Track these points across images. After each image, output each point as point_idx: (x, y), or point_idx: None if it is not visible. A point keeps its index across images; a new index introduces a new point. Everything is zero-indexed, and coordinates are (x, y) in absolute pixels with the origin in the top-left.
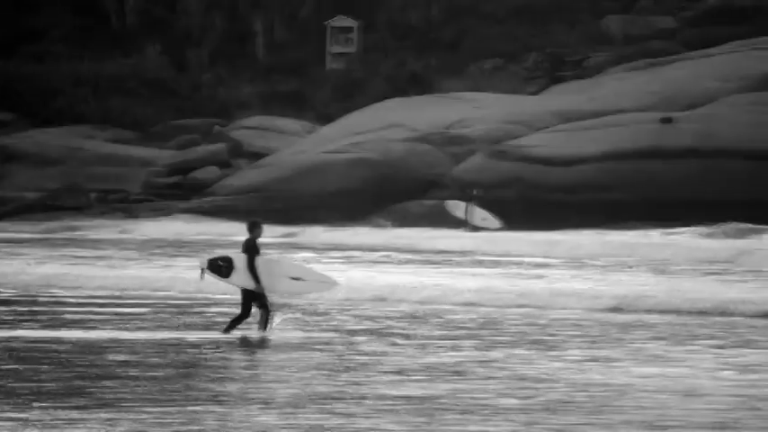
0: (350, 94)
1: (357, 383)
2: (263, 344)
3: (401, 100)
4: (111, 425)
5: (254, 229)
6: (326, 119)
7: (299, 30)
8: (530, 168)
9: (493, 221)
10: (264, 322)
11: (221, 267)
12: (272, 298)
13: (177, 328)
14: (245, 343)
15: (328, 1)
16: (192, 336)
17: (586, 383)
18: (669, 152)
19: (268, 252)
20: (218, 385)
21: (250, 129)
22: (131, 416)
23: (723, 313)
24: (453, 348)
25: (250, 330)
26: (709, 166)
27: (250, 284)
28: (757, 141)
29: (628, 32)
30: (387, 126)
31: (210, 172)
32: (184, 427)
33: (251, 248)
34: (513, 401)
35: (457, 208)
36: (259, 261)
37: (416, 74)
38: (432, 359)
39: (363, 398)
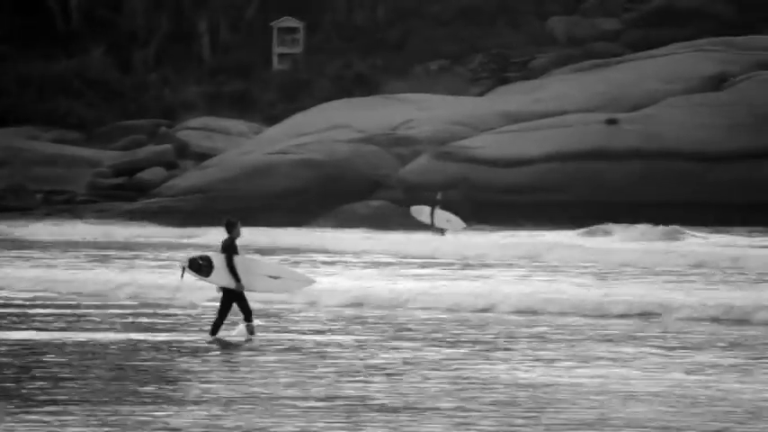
0: (295, 95)
1: (294, 385)
2: (226, 346)
3: (347, 101)
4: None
5: (232, 229)
6: (272, 120)
7: (245, 31)
8: (475, 169)
9: (457, 223)
10: (250, 330)
11: (201, 266)
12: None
13: (109, 328)
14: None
15: (274, 2)
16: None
17: (528, 384)
18: (614, 153)
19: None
20: (143, 386)
21: (196, 129)
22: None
23: (650, 315)
24: (392, 349)
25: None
26: (653, 166)
27: (230, 283)
28: (700, 142)
29: (572, 34)
30: (332, 127)
31: (156, 173)
32: (100, 429)
33: (229, 247)
34: (453, 402)
35: (421, 213)
36: (238, 260)
37: (362, 75)
38: (372, 360)
39: (306, 398)
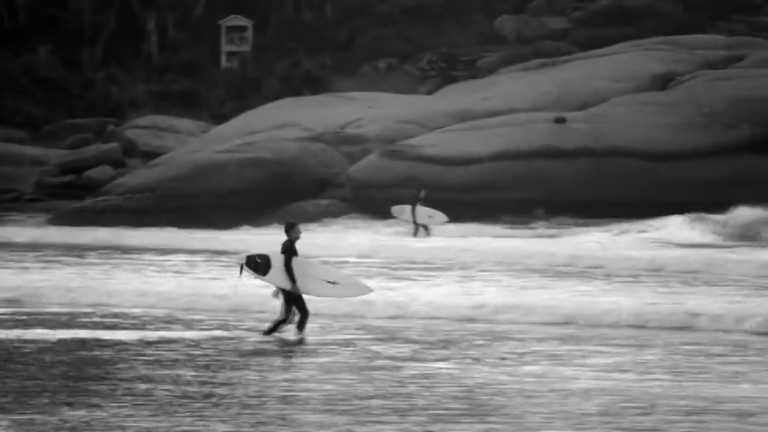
0: (244, 94)
1: (230, 384)
2: (297, 343)
3: (295, 99)
4: None
5: (291, 231)
6: (221, 118)
7: (193, 29)
8: (424, 168)
9: (440, 216)
10: (302, 324)
11: (259, 265)
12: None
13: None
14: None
15: (222, 0)
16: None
17: (471, 384)
18: (562, 152)
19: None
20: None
21: (144, 128)
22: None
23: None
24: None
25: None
26: (602, 165)
27: (286, 284)
28: (647, 141)
29: (521, 32)
30: (281, 125)
31: (104, 171)
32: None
33: (288, 250)
34: (396, 402)
35: (402, 212)
36: (297, 262)
37: (311, 73)
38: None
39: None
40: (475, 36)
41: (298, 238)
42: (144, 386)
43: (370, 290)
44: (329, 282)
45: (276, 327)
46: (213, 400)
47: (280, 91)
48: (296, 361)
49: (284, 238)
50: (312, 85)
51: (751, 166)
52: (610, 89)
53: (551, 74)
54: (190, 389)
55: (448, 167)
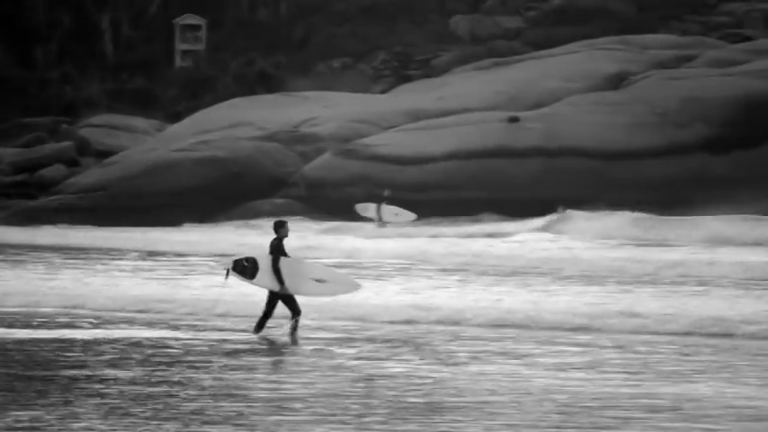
0: (198, 93)
1: (182, 383)
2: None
3: (250, 98)
4: None
5: (280, 230)
6: (175, 117)
7: (147, 28)
8: (378, 167)
9: (408, 215)
10: (293, 328)
11: (246, 268)
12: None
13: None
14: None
15: None
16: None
17: (422, 383)
18: (516, 151)
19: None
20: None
21: (98, 127)
22: None
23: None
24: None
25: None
26: (554, 164)
27: (274, 286)
28: (599, 140)
29: (475, 32)
30: (235, 124)
31: (57, 170)
32: None
33: (276, 249)
34: (350, 401)
35: (366, 209)
36: (284, 262)
37: (265, 72)
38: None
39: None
40: (429, 35)
41: (286, 236)
42: (97, 386)
43: (358, 286)
44: (317, 280)
45: (263, 323)
46: (162, 399)
47: (234, 90)
48: (253, 360)
49: (269, 237)
50: (266, 83)
51: (703, 166)
52: (563, 89)
53: (505, 73)
54: (140, 389)
55: (402, 166)
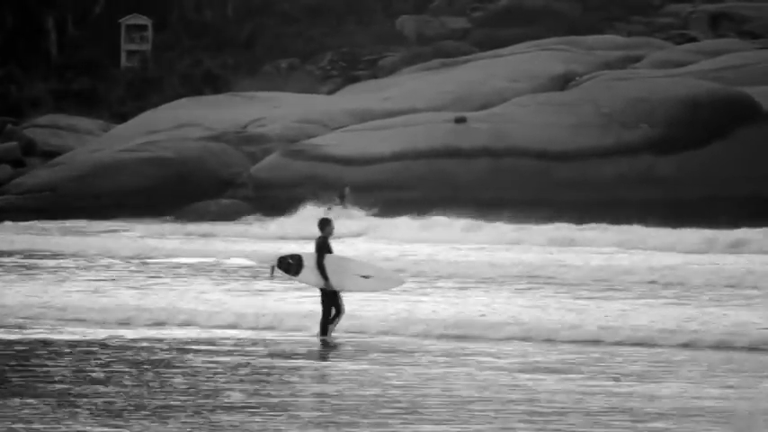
0: (144, 93)
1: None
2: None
3: (196, 99)
4: None
5: (325, 227)
6: (121, 117)
7: (93, 28)
8: (326, 167)
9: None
10: (330, 323)
11: (290, 265)
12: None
13: None
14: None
15: None
16: None
17: (362, 382)
18: (463, 151)
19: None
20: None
21: (43, 127)
22: None
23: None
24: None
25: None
26: (502, 165)
27: (319, 282)
28: (546, 141)
29: (421, 32)
30: (182, 125)
31: (3, 170)
32: None
33: (321, 246)
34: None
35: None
36: (330, 259)
37: (212, 73)
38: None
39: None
40: (376, 36)
41: (331, 234)
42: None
43: (403, 281)
44: (362, 276)
45: (326, 326)
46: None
47: (181, 90)
48: (209, 364)
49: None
50: (213, 84)
51: (649, 166)
52: (509, 89)
53: (451, 74)
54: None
55: (349, 167)
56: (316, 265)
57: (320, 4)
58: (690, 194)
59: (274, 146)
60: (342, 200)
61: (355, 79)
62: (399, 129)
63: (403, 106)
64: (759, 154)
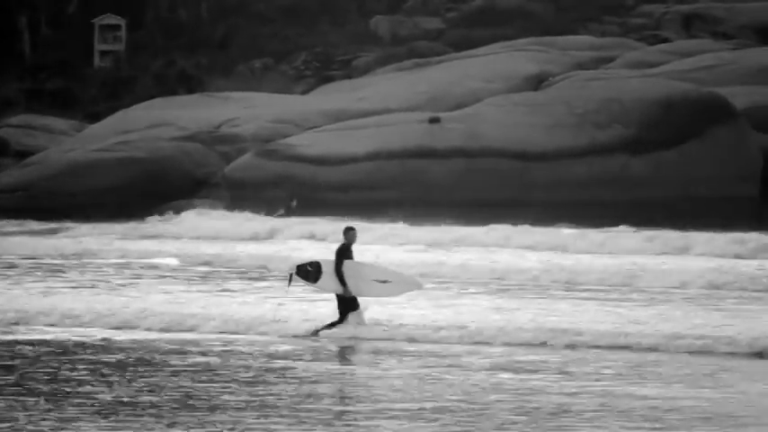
0: (118, 93)
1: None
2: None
3: (170, 99)
4: None
5: (347, 234)
6: (94, 117)
7: (66, 27)
8: (300, 167)
9: None
10: (330, 326)
11: (309, 273)
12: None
13: None
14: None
15: None
16: None
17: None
18: (437, 152)
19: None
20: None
21: (16, 127)
22: None
23: None
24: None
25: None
26: (475, 165)
27: (338, 289)
28: (520, 141)
29: (395, 33)
30: (156, 125)
31: None
32: None
33: (340, 252)
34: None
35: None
36: (348, 265)
37: (185, 73)
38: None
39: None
40: (350, 36)
41: (353, 241)
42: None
43: (420, 284)
44: (380, 281)
45: (329, 327)
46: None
47: (154, 90)
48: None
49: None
50: (187, 84)
51: (622, 166)
52: (483, 89)
53: (425, 74)
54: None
55: (323, 167)
56: (334, 272)
57: (294, 5)
58: (663, 195)
59: (248, 146)
60: (287, 210)
61: (329, 79)
62: (373, 129)
63: (377, 106)
64: (732, 154)
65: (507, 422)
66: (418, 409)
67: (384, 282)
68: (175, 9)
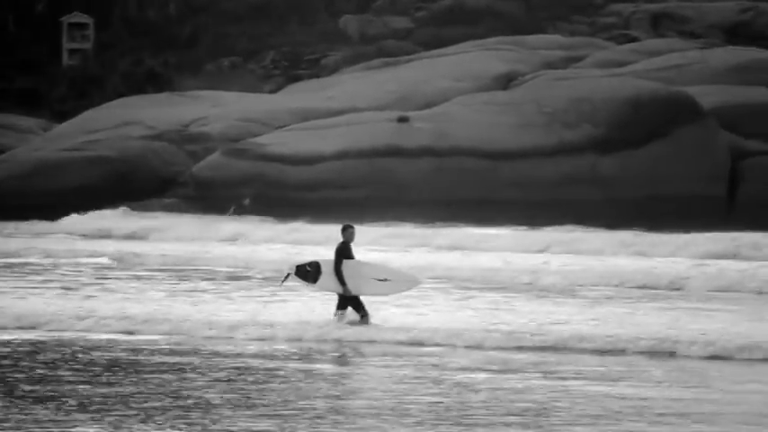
0: (86, 92)
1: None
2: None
3: (138, 97)
4: None
5: (345, 232)
6: (62, 116)
7: (34, 26)
8: (268, 166)
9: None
10: (340, 312)
11: (309, 273)
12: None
13: None
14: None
15: None
16: None
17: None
18: (406, 151)
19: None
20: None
21: None
22: None
23: None
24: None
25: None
26: (444, 164)
27: (337, 288)
28: (490, 141)
29: (364, 32)
30: (124, 124)
31: None
32: None
33: (340, 252)
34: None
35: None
36: (346, 264)
37: (154, 71)
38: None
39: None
40: (319, 35)
41: (351, 239)
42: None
43: (419, 282)
44: (379, 279)
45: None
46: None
47: (122, 89)
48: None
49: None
50: (155, 83)
51: (592, 166)
52: (452, 88)
53: (394, 73)
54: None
55: (292, 166)
56: (333, 271)
57: (263, 4)
58: (632, 194)
59: (216, 145)
60: (238, 208)
61: (298, 78)
62: (342, 128)
63: (345, 105)
64: (700, 153)
65: (499, 423)
66: (404, 409)
67: (383, 280)
68: (144, 7)
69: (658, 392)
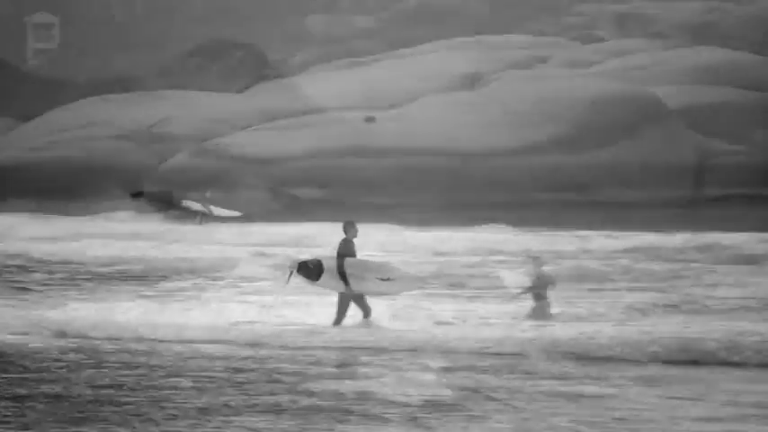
0: (52, 92)
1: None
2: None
3: (104, 97)
4: None
5: (348, 230)
6: (27, 117)
7: None
8: (235, 166)
9: (232, 212)
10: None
11: (311, 270)
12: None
13: None
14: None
15: None
16: None
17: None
18: (372, 150)
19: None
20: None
21: None
22: None
23: None
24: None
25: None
26: (411, 164)
27: (340, 287)
28: (455, 140)
29: (330, 31)
30: (90, 124)
31: None
32: None
33: (342, 250)
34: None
35: (194, 204)
36: (349, 262)
37: (120, 71)
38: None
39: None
40: (285, 35)
41: (354, 236)
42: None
43: (422, 284)
44: (382, 279)
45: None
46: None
47: (88, 89)
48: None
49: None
50: (122, 83)
51: (555, 165)
52: (418, 88)
53: (361, 73)
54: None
55: (258, 166)
56: (336, 270)
57: (229, 3)
58: (597, 194)
59: (182, 145)
60: (204, 216)
61: (264, 78)
62: (309, 128)
63: (312, 105)
64: (665, 153)
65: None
66: (393, 410)
67: (386, 279)
68: (110, 7)
69: None
